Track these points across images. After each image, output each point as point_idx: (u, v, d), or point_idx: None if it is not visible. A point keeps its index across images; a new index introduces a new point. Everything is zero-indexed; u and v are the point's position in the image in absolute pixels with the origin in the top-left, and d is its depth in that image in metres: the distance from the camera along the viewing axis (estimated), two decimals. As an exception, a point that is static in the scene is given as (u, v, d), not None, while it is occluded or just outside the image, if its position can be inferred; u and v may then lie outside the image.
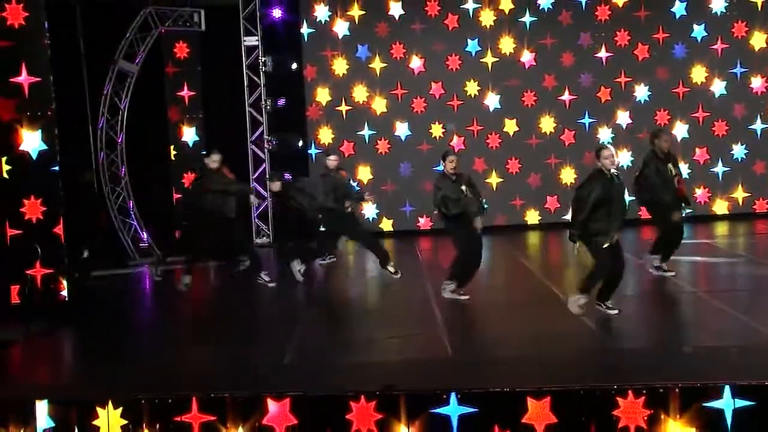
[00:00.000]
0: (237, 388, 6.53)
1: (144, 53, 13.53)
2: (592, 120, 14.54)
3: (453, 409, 6.17)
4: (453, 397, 6.17)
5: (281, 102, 14.48)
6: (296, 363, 7.39)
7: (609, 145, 8.41)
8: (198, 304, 10.50)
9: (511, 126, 14.56)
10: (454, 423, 6.16)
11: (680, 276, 9.98)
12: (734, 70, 14.45)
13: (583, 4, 14.42)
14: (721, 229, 13.90)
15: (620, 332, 8.00)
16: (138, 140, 13.70)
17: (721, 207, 14.59)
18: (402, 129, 14.59)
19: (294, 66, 14.48)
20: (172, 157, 14.09)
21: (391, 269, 10.62)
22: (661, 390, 6.08)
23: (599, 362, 7.08)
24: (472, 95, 14.55)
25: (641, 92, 14.48)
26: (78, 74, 12.72)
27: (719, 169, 14.49)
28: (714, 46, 14.41)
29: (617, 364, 6.97)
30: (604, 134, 14.48)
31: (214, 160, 10.35)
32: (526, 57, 14.49)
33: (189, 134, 14.16)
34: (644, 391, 6.06)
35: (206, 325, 9.35)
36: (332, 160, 11.09)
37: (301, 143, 14.56)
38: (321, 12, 14.49)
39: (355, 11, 14.50)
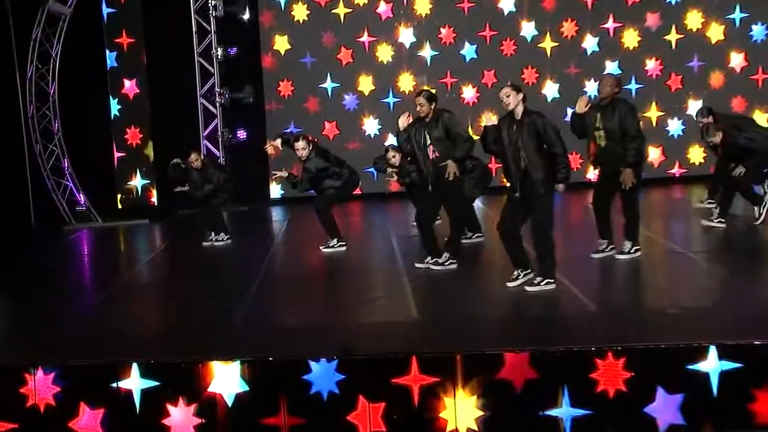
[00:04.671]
0: (181, 353, 6.58)
1: (77, -7, 13.41)
2: (578, 71, 14.77)
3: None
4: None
5: (234, 51, 14.46)
6: (246, 326, 7.43)
7: None
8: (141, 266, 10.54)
9: (489, 77, 14.66)
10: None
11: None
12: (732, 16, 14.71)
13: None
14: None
15: (599, 294, 8.13)
16: (73, 92, 13.57)
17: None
18: (366, 83, 14.68)
19: (248, 11, 14.42)
20: (113, 112, 13.96)
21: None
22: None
23: (581, 324, 7.19)
24: (447, 44, 14.62)
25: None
26: (2, 16, 12.56)
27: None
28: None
29: (595, 326, 7.08)
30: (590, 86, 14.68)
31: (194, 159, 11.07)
32: (505, 4, 14.61)
33: (130, 86, 14.01)
34: (624, 353, 6.19)
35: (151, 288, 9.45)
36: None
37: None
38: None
39: (316, -51, 14.53)
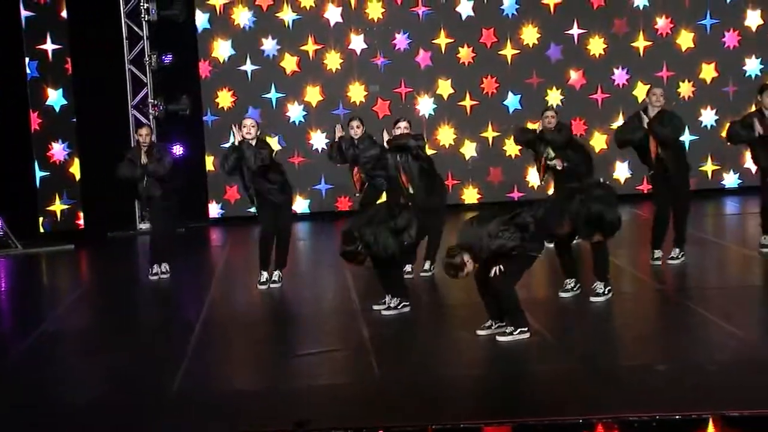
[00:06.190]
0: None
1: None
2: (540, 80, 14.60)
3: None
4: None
5: (168, 58, 14.09)
6: (185, 394, 6.92)
7: None
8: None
9: (445, 87, 14.43)
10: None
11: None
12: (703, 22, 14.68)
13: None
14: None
15: (576, 345, 7.79)
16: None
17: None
18: (314, 93, 14.37)
19: (183, 14, 13.95)
20: (34, 126, 13.52)
21: None
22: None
23: (561, 384, 6.81)
24: (401, 50, 14.41)
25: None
26: None
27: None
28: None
29: (577, 388, 6.70)
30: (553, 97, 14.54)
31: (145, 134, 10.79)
32: (463, 7, 14.42)
33: (54, 97, 13.61)
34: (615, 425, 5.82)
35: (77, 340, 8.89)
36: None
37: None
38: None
39: (257, -52, 14.25)
